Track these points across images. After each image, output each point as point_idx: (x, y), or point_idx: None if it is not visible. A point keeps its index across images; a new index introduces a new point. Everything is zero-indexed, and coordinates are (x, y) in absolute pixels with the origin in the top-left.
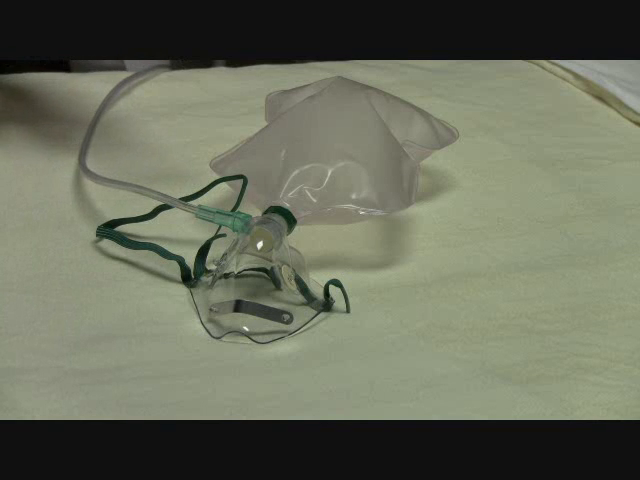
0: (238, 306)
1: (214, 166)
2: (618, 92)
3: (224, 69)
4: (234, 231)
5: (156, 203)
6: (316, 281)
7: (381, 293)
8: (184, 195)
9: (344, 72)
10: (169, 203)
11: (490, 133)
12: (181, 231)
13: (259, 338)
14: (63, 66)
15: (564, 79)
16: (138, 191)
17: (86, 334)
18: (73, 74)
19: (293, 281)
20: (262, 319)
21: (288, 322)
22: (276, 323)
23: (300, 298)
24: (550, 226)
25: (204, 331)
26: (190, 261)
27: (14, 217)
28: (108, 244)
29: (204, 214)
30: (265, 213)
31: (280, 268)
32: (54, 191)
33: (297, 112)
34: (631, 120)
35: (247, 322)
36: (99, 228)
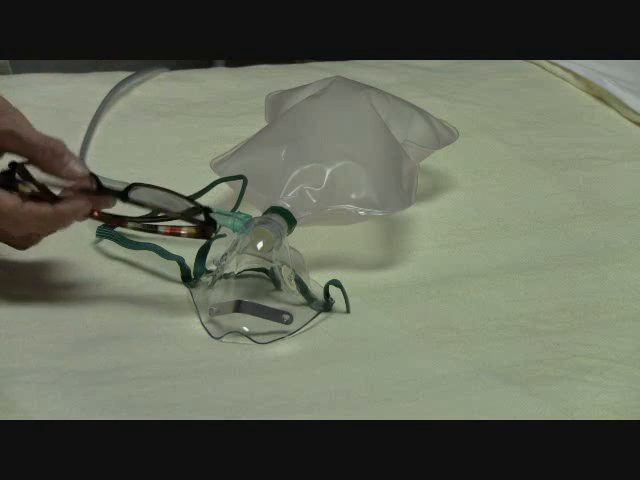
0: (238, 306)
1: (214, 166)
2: (618, 92)
3: (224, 69)
4: (234, 231)
5: None
6: (316, 281)
7: (381, 293)
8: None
9: (344, 72)
10: None
11: (490, 133)
12: None
13: (259, 338)
14: None
15: (564, 79)
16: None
17: (86, 334)
18: (73, 74)
19: (293, 281)
20: (262, 319)
21: (288, 322)
22: (276, 323)
23: (300, 298)
24: (550, 226)
25: (204, 331)
26: (190, 261)
27: None
28: (108, 244)
29: None
30: (265, 213)
31: (280, 268)
32: None
33: (297, 112)
34: (631, 120)
35: (247, 322)
36: (99, 228)
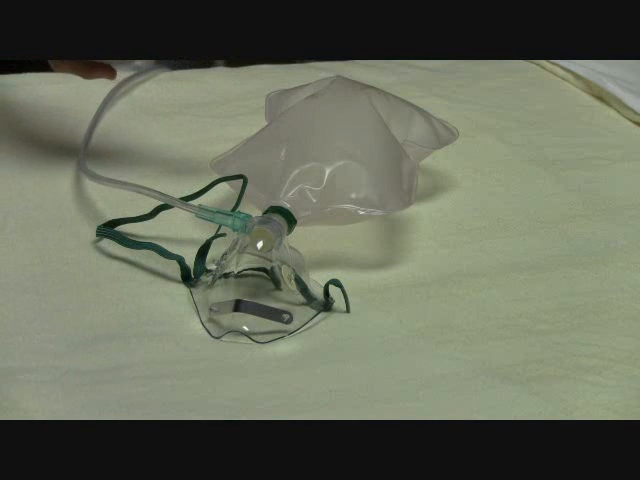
0: (238, 306)
1: (214, 166)
2: (618, 92)
3: (224, 69)
4: (234, 231)
5: (156, 203)
6: (316, 281)
7: (381, 293)
8: (184, 195)
9: (344, 72)
10: (169, 203)
11: (490, 133)
12: (181, 231)
13: (259, 338)
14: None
15: (564, 79)
16: (138, 191)
17: (86, 334)
18: (73, 74)
19: (293, 281)
20: (262, 319)
21: (288, 322)
22: (276, 323)
23: (300, 298)
24: (550, 226)
25: (204, 331)
26: (190, 261)
27: (14, 217)
28: (108, 244)
29: (204, 214)
30: (265, 213)
31: (280, 268)
32: (54, 191)
33: (297, 111)
34: (631, 120)
35: (247, 322)
36: (99, 228)
